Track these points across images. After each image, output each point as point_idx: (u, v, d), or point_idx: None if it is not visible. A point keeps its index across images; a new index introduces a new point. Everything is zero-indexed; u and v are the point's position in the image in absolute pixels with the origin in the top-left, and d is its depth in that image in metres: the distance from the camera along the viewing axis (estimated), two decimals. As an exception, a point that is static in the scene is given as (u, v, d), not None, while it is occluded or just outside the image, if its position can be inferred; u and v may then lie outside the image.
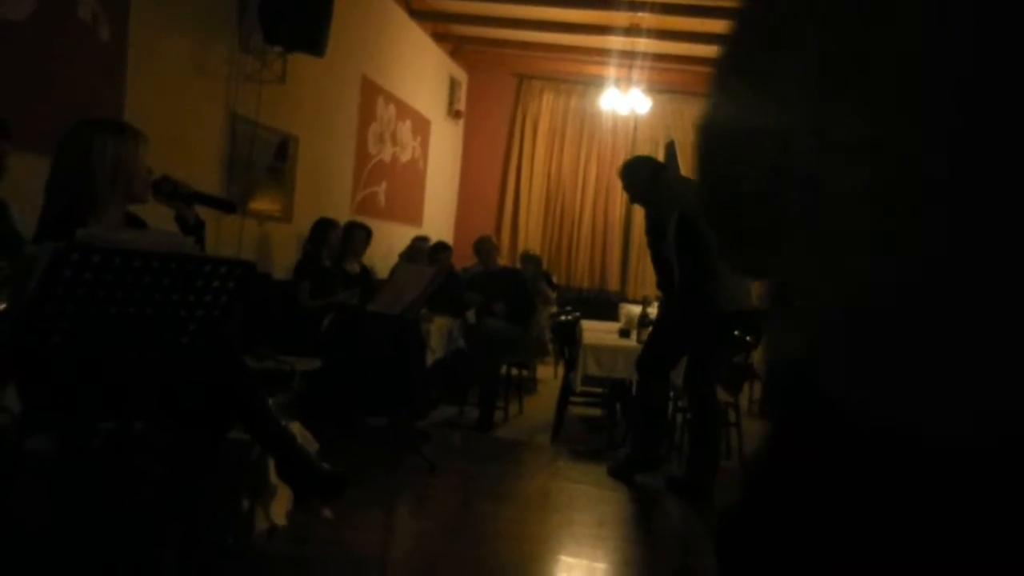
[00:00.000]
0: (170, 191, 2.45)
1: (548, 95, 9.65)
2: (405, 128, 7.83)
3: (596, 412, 5.95)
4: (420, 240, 6.87)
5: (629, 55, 7.93)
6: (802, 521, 0.75)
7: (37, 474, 2.36)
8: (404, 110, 7.74)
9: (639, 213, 9.62)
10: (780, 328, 0.82)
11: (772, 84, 0.77)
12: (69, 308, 1.88)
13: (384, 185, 7.42)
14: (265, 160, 5.38)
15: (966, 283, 0.64)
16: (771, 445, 0.83)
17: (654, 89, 8.47)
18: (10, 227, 2.84)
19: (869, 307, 0.70)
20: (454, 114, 9.17)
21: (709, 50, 8.35)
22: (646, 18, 7.34)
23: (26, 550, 2.30)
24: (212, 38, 4.71)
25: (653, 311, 5.45)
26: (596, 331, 5.50)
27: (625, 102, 8.09)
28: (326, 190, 6.29)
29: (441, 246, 6.75)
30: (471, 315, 5.99)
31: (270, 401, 2.52)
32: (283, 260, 5.45)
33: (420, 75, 8.12)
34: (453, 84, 9.08)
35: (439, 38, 8.56)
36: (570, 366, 5.21)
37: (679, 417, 4.83)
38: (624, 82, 8.06)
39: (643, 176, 4.23)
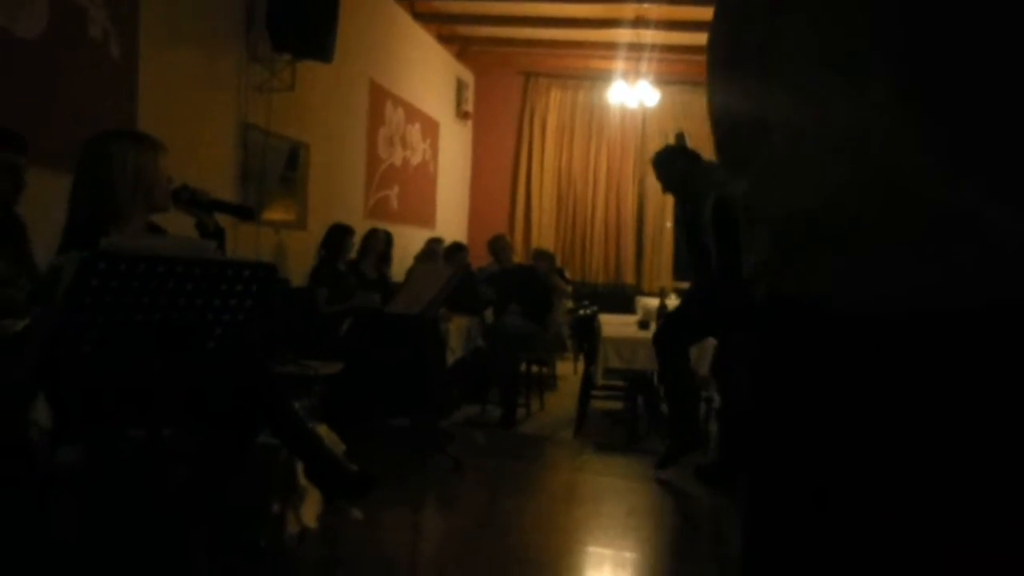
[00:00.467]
0: (189, 199, 2.47)
1: (555, 92, 9.65)
2: (414, 131, 7.86)
3: (617, 406, 5.95)
4: (435, 242, 6.89)
5: (636, 47, 7.92)
6: (797, 400, 0.92)
7: (69, 485, 2.39)
8: (413, 113, 7.76)
9: (652, 205, 9.63)
10: (750, 242, 1.01)
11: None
12: (97, 316, 1.90)
13: (396, 189, 7.45)
14: (277, 169, 5.42)
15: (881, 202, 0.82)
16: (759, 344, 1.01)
17: (662, 81, 8.45)
18: (26, 252, 2.86)
19: (812, 223, 0.88)
20: (462, 115, 9.19)
21: (715, 39, 8.32)
22: (652, 9, 7.33)
23: (59, 561, 2.33)
24: (221, 50, 4.74)
25: (671, 302, 5.44)
26: (614, 324, 5.49)
27: (633, 95, 8.08)
28: (339, 196, 6.32)
29: (456, 247, 6.77)
30: (489, 314, 5.99)
31: (296, 404, 2.54)
32: (300, 267, 5.48)
33: (427, 77, 8.14)
34: (460, 85, 9.10)
35: (444, 40, 8.58)
36: (590, 360, 5.21)
37: (703, 407, 4.81)
38: (632, 75, 8.04)
39: (678, 166, 4.22)
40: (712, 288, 4.05)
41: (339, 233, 5.27)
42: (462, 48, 9.10)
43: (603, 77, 9.00)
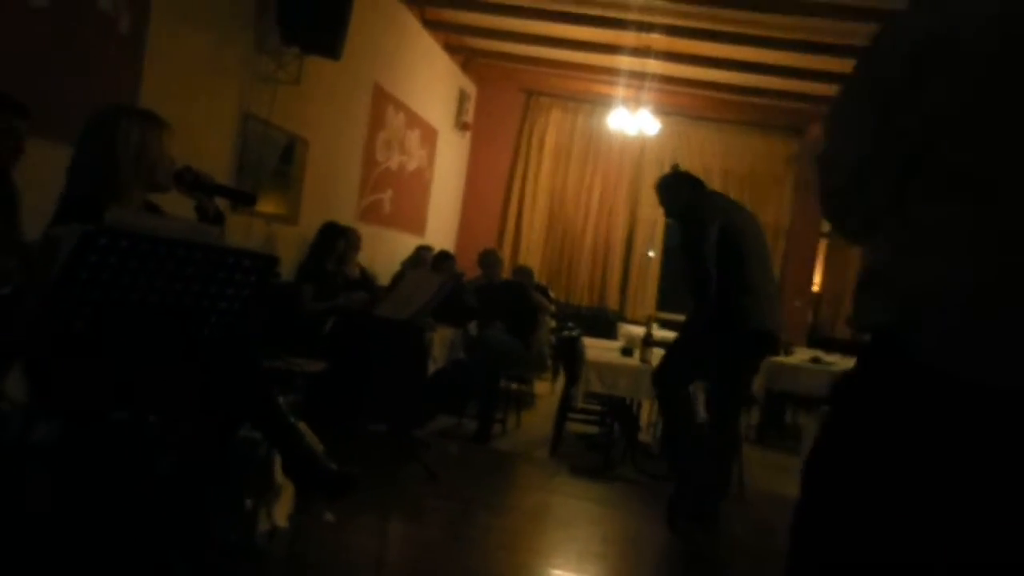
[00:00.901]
0: (192, 181, 2.43)
1: (556, 112, 9.67)
2: (413, 137, 7.84)
3: (593, 429, 5.92)
4: (424, 249, 6.86)
5: (638, 75, 7.97)
6: (880, 448, 1.00)
7: (44, 461, 2.32)
8: (413, 119, 7.74)
9: (641, 233, 9.66)
10: (868, 301, 1.10)
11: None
12: (93, 293, 1.85)
13: (390, 193, 7.41)
14: (272, 161, 5.37)
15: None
16: (855, 390, 1.10)
17: (661, 111, 8.50)
18: (16, 220, 2.80)
19: (944, 292, 0.98)
20: (462, 126, 9.18)
21: (717, 74, 8.41)
22: (656, 39, 7.38)
23: (32, 542, 2.26)
24: (230, 36, 4.70)
25: (657, 332, 5.44)
26: (597, 348, 5.48)
27: (633, 122, 8.12)
28: (333, 194, 6.28)
29: (444, 255, 6.74)
30: (473, 327, 5.96)
31: (281, 399, 2.49)
32: (287, 262, 5.42)
33: (430, 85, 8.14)
34: (462, 96, 9.10)
35: (451, 50, 8.58)
36: (571, 381, 5.18)
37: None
38: (633, 102, 8.08)
39: (683, 191, 4.21)
40: (711, 315, 4.05)
41: (332, 232, 5.23)
42: (467, 59, 9.11)
43: (604, 102, 9.04)
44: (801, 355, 6.73)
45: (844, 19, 6.25)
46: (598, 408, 5.88)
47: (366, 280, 5.57)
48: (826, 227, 9.31)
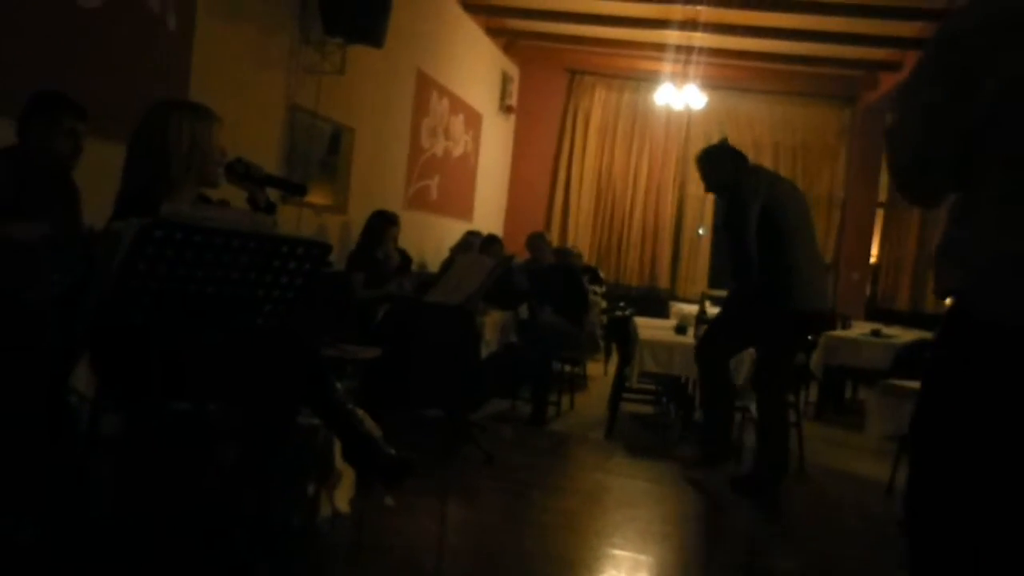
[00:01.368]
0: (243, 173, 2.45)
1: (600, 90, 9.57)
2: (458, 122, 7.83)
3: (648, 410, 5.88)
4: (472, 235, 6.85)
5: (685, 50, 7.82)
6: (969, 405, 1.15)
7: (109, 455, 2.38)
8: (457, 104, 7.73)
9: (690, 210, 9.53)
10: (945, 268, 1.22)
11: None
12: (151, 285, 1.88)
13: (436, 179, 7.43)
14: (319, 152, 5.41)
15: None
16: (939, 353, 1.24)
17: (708, 85, 8.34)
18: (77, 217, 2.87)
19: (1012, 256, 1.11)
20: (506, 109, 9.15)
21: (765, 44, 8.22)
22: (702, 11, 7.23)
23: (100, 532, 2.32)
24: (274, 29, 4.74)
25: (710, 309, 5.36)
26: (650, 328, 5.42)
27: (680, 98, 7.98)
28: (379, 182, 6.31)
29: (491, 239, 6.72)
30: (524, 310, 5.94)
31: (338, 385, 2.51)
32: (337, 251, 5.47)
33: (473, 69, 8.11)
34: (505, 79, 9.06)
35: (492, 33, 8.54)
36: (625, 361, 5.14)
37: (737, 416, 4.73)
38: (679, 77, 7.95)
39: (726, 166, 4.11)
40: (753, 293, 3.97)
41: (380, 220, 5.25)
42: (509, 42, 9.05)
43: (648, 78, 8.92)
44: (860, 328, 6.56)
45: (897, -20, 6.04)
46: (652, 388, 5.83)
47: (404, 264, 5.58)
48: (883, 197, 9.05)
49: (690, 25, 7.50)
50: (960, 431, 1.16)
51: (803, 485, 4.45)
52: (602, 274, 8.73)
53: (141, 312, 1.92)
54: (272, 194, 2.65)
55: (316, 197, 5.36)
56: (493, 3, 7.97)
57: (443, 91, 7.33)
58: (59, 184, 2.76)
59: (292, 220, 4.91)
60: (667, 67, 7.99)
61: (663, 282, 9.52)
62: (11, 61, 3.08)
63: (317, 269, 2.13)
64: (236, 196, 2.65)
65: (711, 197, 8.85)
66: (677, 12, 7.36)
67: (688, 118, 9.00)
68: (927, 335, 6.09)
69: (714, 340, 4.20)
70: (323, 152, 5.48)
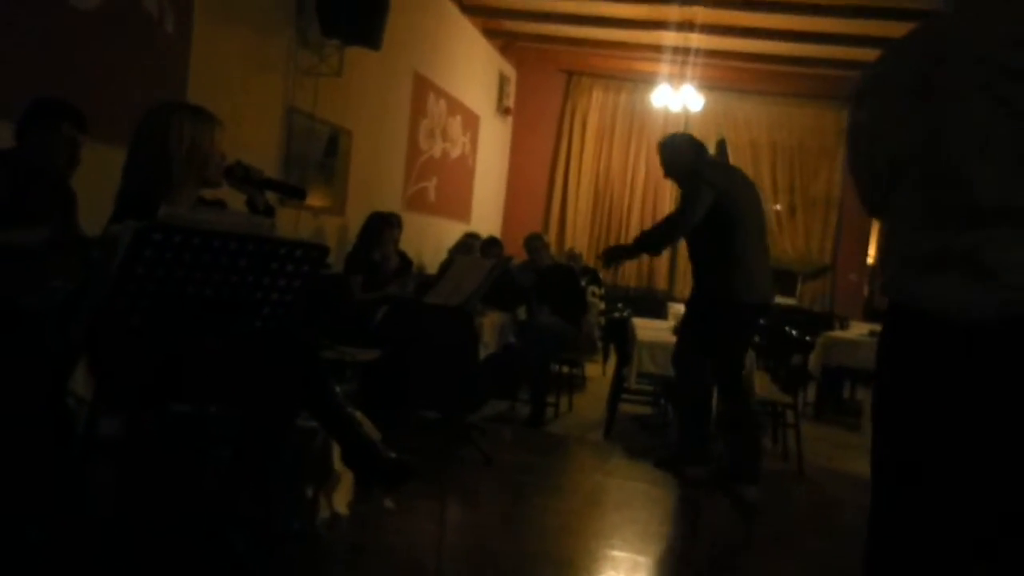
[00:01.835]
0: (243, 176, 2.45)
1: (597, 92, 9.58)
2: (455, 124, 7.83)
3: (646, 410, 5.88)
4: (471, 237, 6.86)
5: (682, 51, 7.84)
6: (914, 377, 1.32)
7: (108, 458, 2.38)
8: (454, 106, 7.73)
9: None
10: (882, 265, 1.42)
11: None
12: (149, 288, 1.88)
13: (434, 180, 7.43)
14: (317, 154, 5.41)
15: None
16: (886, 339, 1.41)
17: (705, 86, 8.35)
18: (75, 222, 2.87)
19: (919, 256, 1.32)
20: (503, 110, 9.15)
21: (763, 45, 8.23)
22: (699, 12, 7.24)
23: (99, 534, 2.32)
24: (272, 31, 4.74)
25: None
26: (649, 329, 5.42)
27: (677, 99, 7.99)
28: (378, 184, 6.31)
29: (492, 241, 6.73)
30: (522, 311, 5.95)
31: (337, 388, 2.51)
32: (335, 253, 5.47)
33: (470, 71, 8.12)
34: (502, 80, 9.07)
35: (490, 34, 8.55)
36: (623, 362, 5.14)
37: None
38: (676, 78, 7.95)
39: (685, 155, 4.18)
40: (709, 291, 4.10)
41: (377, 222, 5.25)
42: (506, 43, 9.06)
43: (646, 79, 8.93)
44: (858, 329, 6.57)
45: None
46: (650, 389, 5.83)
47: (405, 267, 5.58)
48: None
49: (687, 26, 7.51)
50: (905, 416, 1.33)
51: (802, 485, 4.45)
52: (601, 275, 8.73)
53: (139, 315, 1.92)
54: (270, 197, 2.65)
55: (314, 199, 5.36)
56: (490, 5, 7.98)
57: (440, 93, 7.33)
58: (56, 189, 2.75)
59: (290, 222, 4.92)
60: (664, 68, 8.01)
61: (661, 283, 9.52)
62: (7, 64, 3.08)
63: (315, 271, 2.13)
64: (235, 199, 2.65)
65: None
66: (674, 13, 7.37)
67: (685, 119, 8.99)
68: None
69: (680, 344, 4.31)
70: (321, 154, 5.48)
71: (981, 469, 1.23)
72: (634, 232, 9.47)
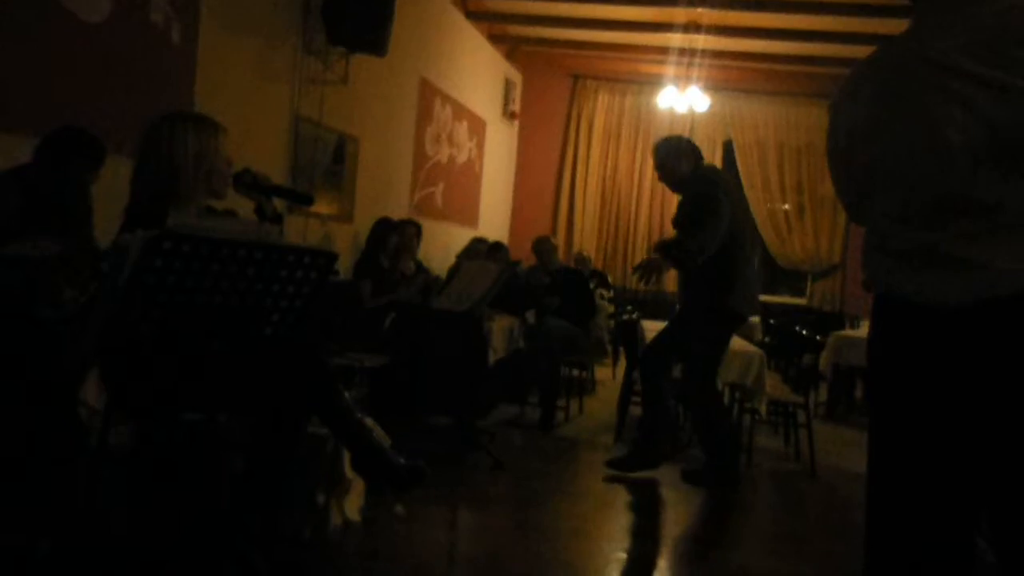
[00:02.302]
0: (250, 183, 2.46)
1: (603, 95, 9.58)
2: (461, 129, 7.85)
3: (658, 413, 5.85)
4: (478, 242, 6.87)
5: (688, 52, 7.83)
6: (900, 358, 1.48)
7: (120, 466, 2.39)
8: (460, 111, 7.75)
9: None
10: (866, 263, 1.54)
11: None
12: (159, 297, 1.89)
13: (441, 186, 7.44)
14: (324, 162, 5.43)
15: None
16: (875, 324, 1.57)
17: (711, 87, 8.34)
18: (88, 235, 2.89)
19: (896, 253, 1.46)
20: (509, 115, 9.16)
21: (769, 45, 8.21)
22: (704, 14, 7.24)
23: (111, 541, 2.33)
24: (277, 40, 4.76)
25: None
26: (658, 331, 5.40)
27: (683, 100, 7.98)
28: (385, 190, 6.33)
29: (497, 246, 6.73)
30: (531, 315, 5.95)
31: (346, 394, 2.51)
32: (343, 260, 5.49)
33: (476, 76, 8.13)
34: (508, 85, 9.08)
35: (495, 39, 8.56)
36: (633, 365, 5.13)
37: (747, 418, 4.72)
38: (682, 80, 7.95)
39: (688, 160, 4.11)
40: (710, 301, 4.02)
41: (384, 228, 5.26)
42: (512, 48, 9.08)
43: (652, 81, 8.92)
44: (868, 328, 6.54)
45: (899, -21, 6.04)
46: (661, 391, 5.81)
47: (421, 272, 5.59)
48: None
49: (692, 28, 7.51)
50: (898, 394, 1.50)
51: (814, 485, 4.43)
52: (609, 278, 8.73)
53: (150, 324, 1.92)
54: (278, 204, 2.66)
55: (322, 206, 5.37)
56: (495, 10, 7.99)
57: (446, 98, 7.35)
58: (70, 204, 2.77)
59: (298, 229, 4.93)
60: (670, 70, 8.00)
61: (670, 285, 9.48)
62: (15, 76, 3.10)
63: (324, 278, 2.13)
64: (243, 207, 2.66)
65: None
66: (679, 15, 7.37)
67: (692, 120, 8.99)
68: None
69: (655, 346, 4.26)
70: (328, 161, 5.50)
71: (970, 439, 1.38)
72: (642, 234, 9.47)
